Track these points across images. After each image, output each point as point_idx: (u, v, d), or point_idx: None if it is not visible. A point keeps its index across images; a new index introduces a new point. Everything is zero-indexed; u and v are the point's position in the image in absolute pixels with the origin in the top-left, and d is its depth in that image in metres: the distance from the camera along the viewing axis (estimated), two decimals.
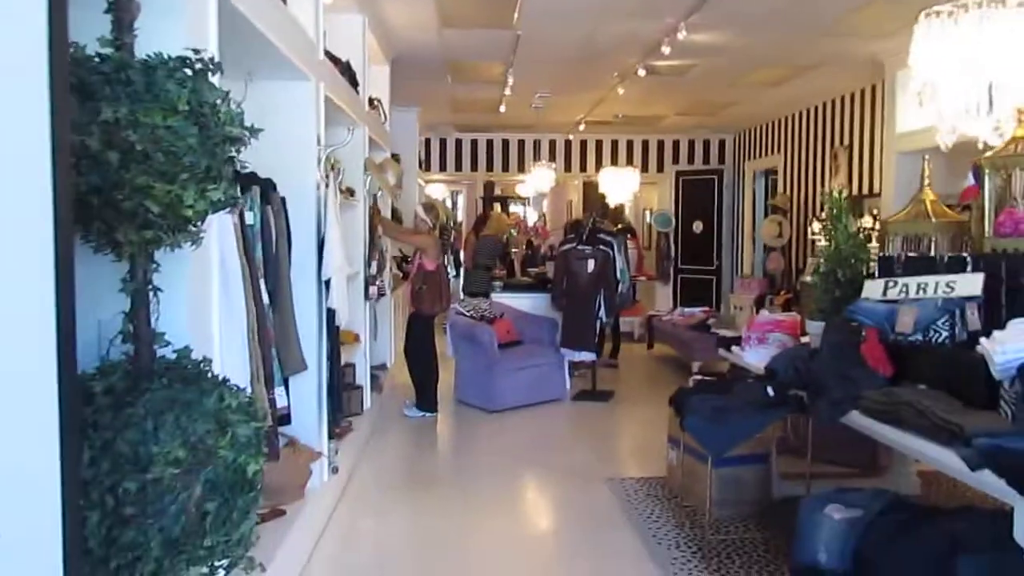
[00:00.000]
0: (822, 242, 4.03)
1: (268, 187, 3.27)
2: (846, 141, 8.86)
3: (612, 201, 11.16)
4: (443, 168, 12.57)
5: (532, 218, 15.78)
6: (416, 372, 6.35)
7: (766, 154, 11.29)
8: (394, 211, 7.57)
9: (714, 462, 3.86)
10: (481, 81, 8.39)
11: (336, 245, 3.77)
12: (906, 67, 3.35)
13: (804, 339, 3.94)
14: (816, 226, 9.30)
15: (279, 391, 3.04)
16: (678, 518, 4.15)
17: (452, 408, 6.71)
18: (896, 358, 3.02)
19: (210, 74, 1.65)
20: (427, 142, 12.28)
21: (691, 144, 12.72)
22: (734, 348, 4.32)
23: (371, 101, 6.43)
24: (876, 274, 3.22)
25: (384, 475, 5.11)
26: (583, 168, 12.68)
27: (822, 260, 3.51)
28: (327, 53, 4.50)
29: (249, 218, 2.98)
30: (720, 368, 6.08)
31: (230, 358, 2.32)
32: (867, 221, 7.85)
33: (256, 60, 3.11)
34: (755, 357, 4.06)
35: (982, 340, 2.73)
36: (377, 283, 5.50)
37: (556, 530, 4.32)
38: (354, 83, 5.14)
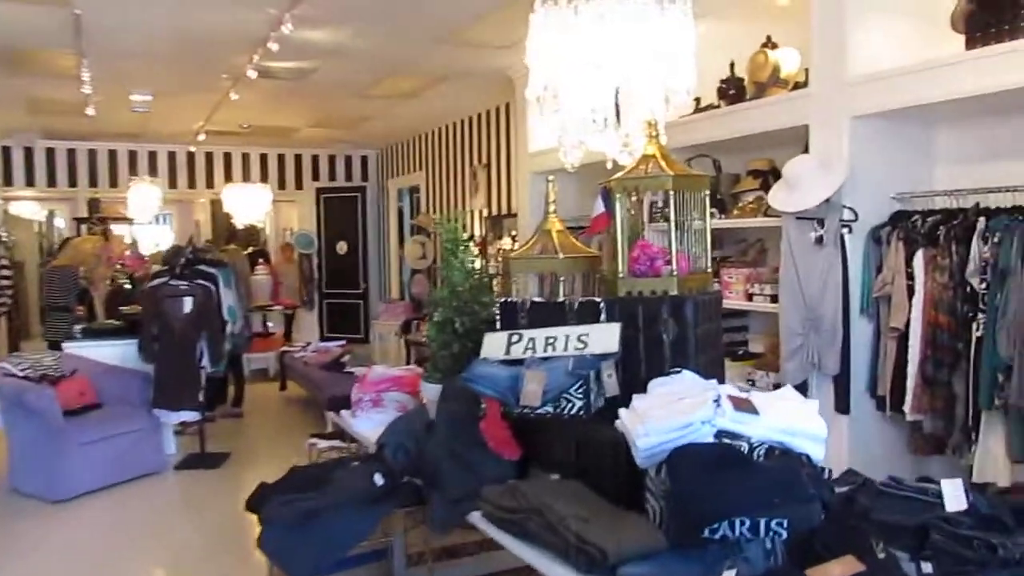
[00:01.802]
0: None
1: None
2: (484, 160, 8.56)
3: (240, 222, 9.92)
4: (31, 183, 10.35)
5: (162, 243, 13.79)
6: None
7: (408, 171, 10.79)
8: None
9: None
10: (53, 75, 6.71)
11: None
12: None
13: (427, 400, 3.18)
14: None
15: None
16: None
17: (2, 501, 5.06)
18: (523, 437, 2.34)
19: None
20: (6, 151, 10.01)
21: (332, 160, 11.86)
22: (344, 413, 3.45)
23: None
24: (498, 325, 2.53)
25: None
26: (210, 184, 11.22)
27: (437, 307, 2.77)
28: None
29: None
30: None
31: None
32: (507, 243, 7.56)
33: None
34: (367, 425, 3.23)
35: (621, 414, 2.12)
36: None
37: None
38: None
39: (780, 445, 1.98)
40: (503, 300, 2.53)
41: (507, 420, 2.30)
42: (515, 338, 2.43)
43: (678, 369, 2.30)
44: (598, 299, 2.40)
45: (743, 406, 2.01)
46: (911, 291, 3.57)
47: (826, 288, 3.78)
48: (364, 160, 12.02)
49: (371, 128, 9.71)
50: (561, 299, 2.48)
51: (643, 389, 2.27)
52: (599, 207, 2.40)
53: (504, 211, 8.04)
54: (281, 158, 11.58)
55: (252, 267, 10.04)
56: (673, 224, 2.35)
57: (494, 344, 2.45)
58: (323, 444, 4.16)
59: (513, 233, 7.42)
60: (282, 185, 11.54)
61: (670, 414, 1.96)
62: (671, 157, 2.44)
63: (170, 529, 4.67)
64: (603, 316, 2.39)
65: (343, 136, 10.43)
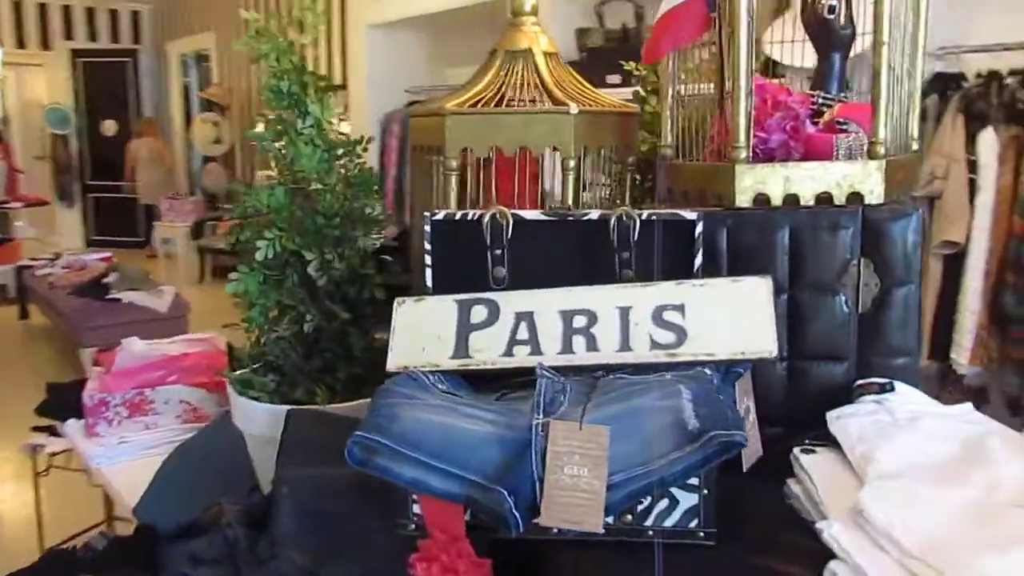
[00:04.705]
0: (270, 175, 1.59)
1: None
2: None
3: None
4: None
5: None
6: None
7: (194, 32, 8.55)
8: None
9: None
10: None
11: None
12: None
13: None
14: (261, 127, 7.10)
15: None
16: None
17: None
18: None
19: None
20: None
21: (90, 14, 9.31)
22: (73, 425, 1.82)
23: None
24: (429, 278, 1.02)
25: None
26: None
27: (261, 229, 1.20)
28: None
29: None
30: None
31: None
32: (340, 127, 5.84)
33: None
34: (116, 458, 1.64)
35: (847, 549, 0.73)
36: None
37: None
38: None
39: None
40: (440, 217, 1.02)
41: (484, 548, 0.84)
42: (481, 314, 0.94)
43: (887, 382, 0.94)
44: (691, 214, 0.95)
45: None
46: (974, 188, 2.47)
47: None
48: (135, 16, 9.56)
49: None
50: (593, 215, 1.00)
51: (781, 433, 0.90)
52: None
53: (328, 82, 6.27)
54: (17, 6, 8.90)
55: None
56: (886, 30, 0.93)
57: (426, 332, 0.95)
58: (55, 446, 2.44)
59: (339, 112, 5.71)
60: (21, 43, 8.93)
61: None
62: None
63: None
64: (699, 257, 0.95)
65: None
